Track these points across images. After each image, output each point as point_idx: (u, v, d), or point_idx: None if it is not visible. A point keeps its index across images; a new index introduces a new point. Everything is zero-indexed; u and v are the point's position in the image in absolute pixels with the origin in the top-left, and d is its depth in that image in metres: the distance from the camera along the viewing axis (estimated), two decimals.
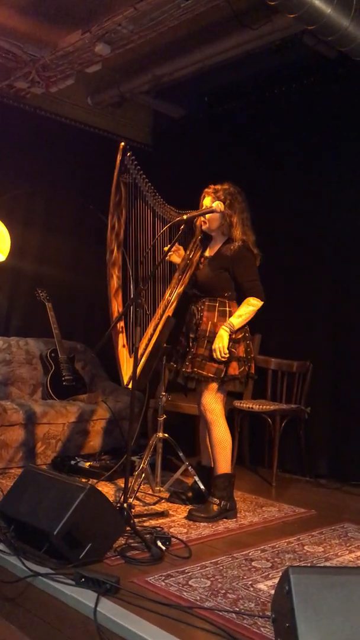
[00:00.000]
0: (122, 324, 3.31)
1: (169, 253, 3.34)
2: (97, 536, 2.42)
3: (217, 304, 3.27)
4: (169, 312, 3.28)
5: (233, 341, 3.18)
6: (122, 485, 2.93)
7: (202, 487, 3.35)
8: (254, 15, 3.81)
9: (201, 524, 3.08)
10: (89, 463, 3.94)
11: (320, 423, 4.31)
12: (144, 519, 3.08)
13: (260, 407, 4.07)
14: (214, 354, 3.14)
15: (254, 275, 3.25)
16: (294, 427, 4.30)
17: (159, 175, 3.83)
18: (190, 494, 3.45)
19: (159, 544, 2.61)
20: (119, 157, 3.23)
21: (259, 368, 3.93)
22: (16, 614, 2.06)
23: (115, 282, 3.32)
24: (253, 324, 3.37)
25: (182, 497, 3.45)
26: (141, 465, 3.44)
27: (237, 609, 2.09)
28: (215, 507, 3.16)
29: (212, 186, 3.33)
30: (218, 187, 3.30)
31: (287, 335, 4.52)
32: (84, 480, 3.33)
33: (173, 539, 2.73)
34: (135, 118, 5.61)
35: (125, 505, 2.79)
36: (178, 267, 3.42)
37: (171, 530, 2.93)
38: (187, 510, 3.22)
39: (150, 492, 3.59)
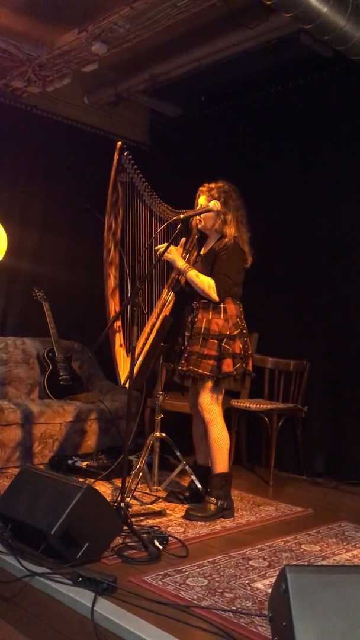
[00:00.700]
0: (119, 323, 3.31)
1: (165, 253, 3.33)
2: (94, 536, 2.42)
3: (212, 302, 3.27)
4: (166, 311, 3.28)
5: (228, 338, 3.18)
6: (120, 485, 2.93)
7: (199, 486, 3.36)
8: (250, 14, 3.81)
9: (198, 523, 3.08)
10: (86, 462, 3.93)
11: (317, 422, 4.32)
12: (141, 518, 3.08)
13: (258, 406, 4.07)
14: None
15: (228, 271, 3.19)
16: (291, 426, 4.30)
17: (155, 174, 3.82)
18: (187, 493, 3.46)
19: (156, 543, 2.61)
20: (116, 156, 3.23)
21: (256, 367, 3.93)
22: (13, 613, 2.06)
23: (112, 281, 3.32)
24: (250, 323, 3.37)
25: (180, 496, 3.45)
26: (138, 465, 3.44)
27: (235, 608, 2.10)
28: (212, 507, 3.17)
29: (206, 184, 3.32)
30: (212, 185, 3.30)
31: (284, 334, 4.52)
32: (81, 479, 3.33)
33: (170, 538, 2.73)
34: (131, 117, 5.61)
35: (122, 504, 2.79)
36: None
37: (168, 529, 2.93)
38: (185, 509, 3.22)
39: (147, 491, 3.59)
